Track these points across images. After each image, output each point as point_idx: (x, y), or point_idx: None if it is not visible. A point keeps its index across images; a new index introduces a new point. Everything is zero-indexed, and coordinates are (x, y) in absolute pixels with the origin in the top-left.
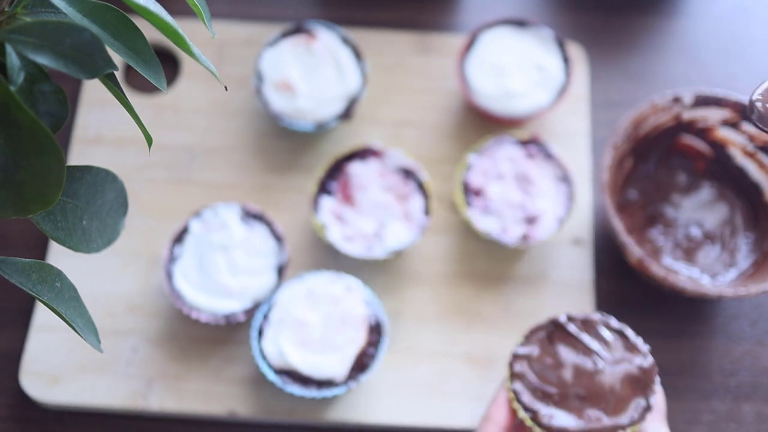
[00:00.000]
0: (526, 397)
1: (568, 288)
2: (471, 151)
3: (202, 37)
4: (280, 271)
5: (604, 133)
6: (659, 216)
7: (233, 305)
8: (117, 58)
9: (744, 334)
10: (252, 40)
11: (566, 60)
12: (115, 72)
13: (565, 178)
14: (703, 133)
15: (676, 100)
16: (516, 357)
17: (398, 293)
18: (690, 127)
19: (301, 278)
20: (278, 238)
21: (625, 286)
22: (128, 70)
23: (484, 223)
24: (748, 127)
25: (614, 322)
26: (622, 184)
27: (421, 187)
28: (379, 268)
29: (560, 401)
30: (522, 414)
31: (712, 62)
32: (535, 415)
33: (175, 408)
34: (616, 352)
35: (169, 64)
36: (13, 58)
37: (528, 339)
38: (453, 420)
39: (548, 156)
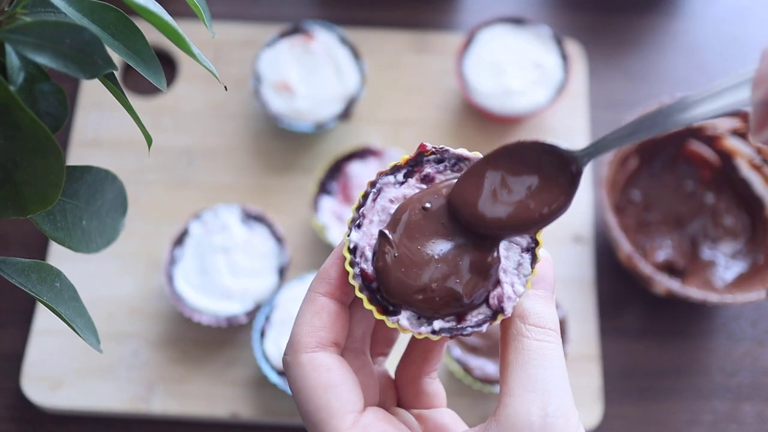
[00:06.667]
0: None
1: (569, 285)
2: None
3: (199, 38)
4: (281, 272)
5: (603, 131)
6: (659, 218)
7: (234, 307)
8: (116, 60)
9: (744, 335)
10: (250, 41)
11: (564, 57)
12: (114, 72)
13: None
14: (712, 141)
15: None
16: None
17: None
18: (699, 133)
19: (303, 279)
20: (279, 239)
21: (625, 286)
22: (125, 73)
23: None
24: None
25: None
26: (625, 183)
27: None
28: None
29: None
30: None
31: (712, 62)
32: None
33: (177, 411)
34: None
35: (166, 67)
36: (13, 58)
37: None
38: None
39: None
